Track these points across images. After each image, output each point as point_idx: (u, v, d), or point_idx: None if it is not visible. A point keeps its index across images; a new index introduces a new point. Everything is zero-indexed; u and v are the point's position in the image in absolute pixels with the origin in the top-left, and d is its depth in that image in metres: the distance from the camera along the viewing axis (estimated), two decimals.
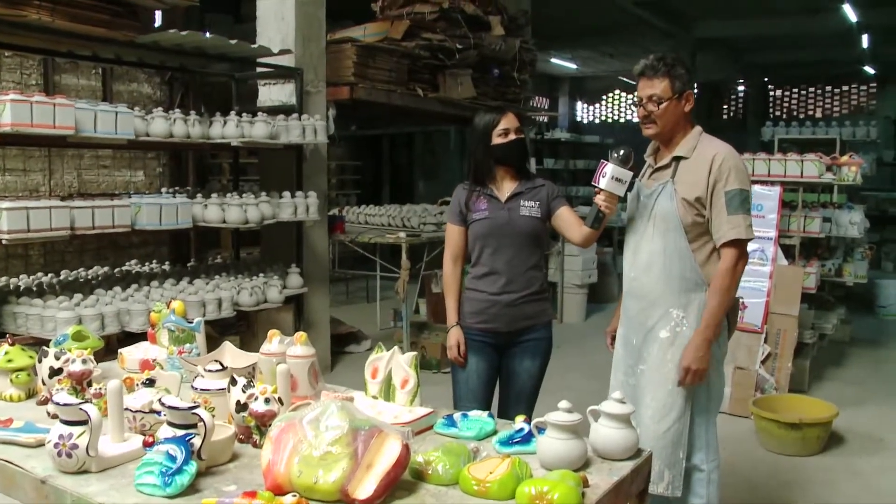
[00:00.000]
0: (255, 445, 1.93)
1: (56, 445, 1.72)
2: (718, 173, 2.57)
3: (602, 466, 1.87)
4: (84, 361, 2.22)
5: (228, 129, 4.40)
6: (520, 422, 2.05)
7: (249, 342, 4.42)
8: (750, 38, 13.22)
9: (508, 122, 2.96)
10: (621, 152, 2.59)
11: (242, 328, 4.94)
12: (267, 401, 1.89)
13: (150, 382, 2.03)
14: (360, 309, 8.70)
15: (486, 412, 2.16)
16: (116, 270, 4.78)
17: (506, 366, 3.05)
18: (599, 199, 2.64)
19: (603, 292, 8.90)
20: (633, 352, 2.78)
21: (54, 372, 2.22)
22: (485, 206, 2.98)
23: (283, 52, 4.94)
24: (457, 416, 2.13)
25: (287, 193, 4.83)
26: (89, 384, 2.23)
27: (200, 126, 4.29)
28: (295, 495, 1.57)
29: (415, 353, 2.16)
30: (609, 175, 2.58)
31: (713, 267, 2.62)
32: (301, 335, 2.27)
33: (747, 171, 2.72)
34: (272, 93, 5.41)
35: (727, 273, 2.56)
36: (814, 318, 5.76)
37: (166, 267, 4.99)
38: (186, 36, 4.16)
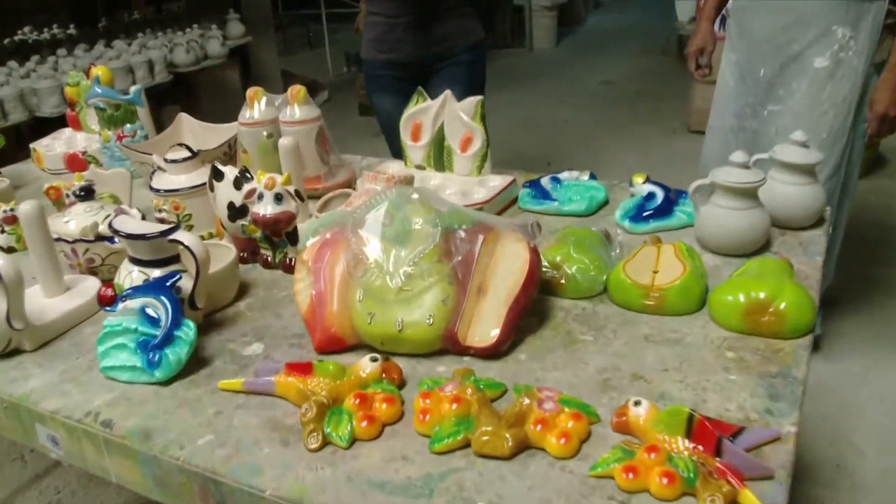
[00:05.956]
0: (266, 265, 1.27)
1: None
2: None
3: (785, 240, 1.26)
4: None
5: None
6: (640, 183, 1.40)
7: (194, 113, 3.59)
8: None
9: None
10: None
11: (181, 95, 4.06)
12: (279, 197, 1.20)
13: (87, 192, 1.30)
14: (304, 58, 7.82)
15: (588, 172, 1.50)
16: (6, 41, 3.76)
17: None
18: None
19: (575, 14, 8.07)
20: (758, 85, 2.07)
21: None
22: None
23: None
24: (545, 180, 1.47)
25: None
26: None
27: None
28: (376, 358, 0.93)
29: (479, 97, 1.44)
30: None
31: None
32: (298, 89, 1.53)
33: None
34: None
35: None
36: None
37: (72, 31, 3.98)
38: None
